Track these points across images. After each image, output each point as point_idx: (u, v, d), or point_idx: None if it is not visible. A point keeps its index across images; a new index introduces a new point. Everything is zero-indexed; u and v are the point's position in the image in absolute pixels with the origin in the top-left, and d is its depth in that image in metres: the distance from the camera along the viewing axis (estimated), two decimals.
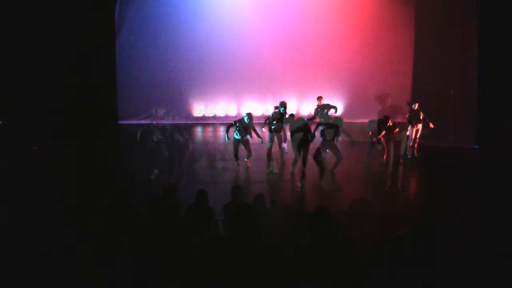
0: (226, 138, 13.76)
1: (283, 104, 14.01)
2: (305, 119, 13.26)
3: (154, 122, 12.99)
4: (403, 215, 10.14)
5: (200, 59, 19.00)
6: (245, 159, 13.72)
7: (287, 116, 13.60)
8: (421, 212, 10.44)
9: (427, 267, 5.57)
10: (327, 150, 13.12)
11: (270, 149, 13.66)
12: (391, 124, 11.84)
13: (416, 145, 15.16)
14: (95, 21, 17.09)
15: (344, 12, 19.73)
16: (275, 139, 14.02)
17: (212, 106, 19.79)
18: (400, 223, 6.84)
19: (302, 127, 12.63)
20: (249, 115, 13.48)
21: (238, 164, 13.55)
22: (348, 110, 19.86)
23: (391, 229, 6.39)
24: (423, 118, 15.09)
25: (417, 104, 15.14)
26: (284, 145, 15.01)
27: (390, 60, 20.01)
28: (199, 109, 19.70)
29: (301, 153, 12.56)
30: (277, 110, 14.13)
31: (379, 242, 5.98)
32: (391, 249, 5.77)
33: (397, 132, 11.83)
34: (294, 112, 15.13)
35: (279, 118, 13.87)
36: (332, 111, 15.41)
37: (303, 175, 12.58)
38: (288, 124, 13.22)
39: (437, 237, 5.91)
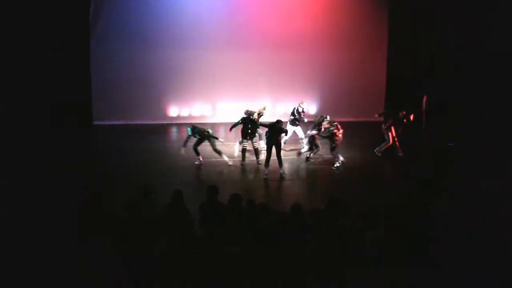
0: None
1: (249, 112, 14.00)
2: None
3: None
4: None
5: (175, 59, 18.92)
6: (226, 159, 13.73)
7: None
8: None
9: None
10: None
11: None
12: None
13: (398, 144, 15.24)
14: (69, 19, 16.87)
15: (318, 12, 19.86)
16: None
17: (187, 107, 19.67)
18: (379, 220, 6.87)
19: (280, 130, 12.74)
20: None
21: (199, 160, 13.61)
22: (322, 108, 20.03)
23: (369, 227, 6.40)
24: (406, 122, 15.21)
25: (404, 112, 15.20)
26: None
27: (364, 59, 20.21)
28: (174, 109, 19.56)
29: (275, 153, 12.64)
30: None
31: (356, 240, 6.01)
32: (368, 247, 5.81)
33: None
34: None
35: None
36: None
37: (281, 176, 12.68)
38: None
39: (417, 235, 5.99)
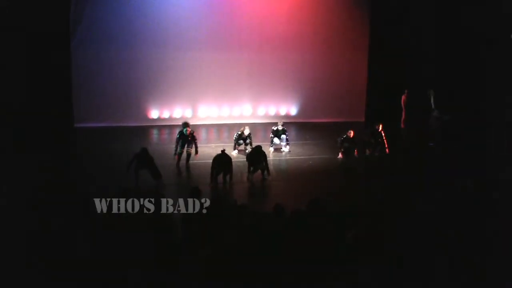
0: None
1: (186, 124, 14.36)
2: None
3: None
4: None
5: (157, 61, 18.86)
6: None
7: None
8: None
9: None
10: None
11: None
12: None
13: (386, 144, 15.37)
14: (50, 20, 16.74)
15: (299, 14, 19.90)
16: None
17: (168, 109, 19.60)
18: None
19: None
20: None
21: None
22: (302, 111, 20.19)
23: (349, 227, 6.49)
24: (384, 139, 15.30)
25: (381, 125, 15.31)
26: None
27: (344, 60, 20.33)
28: (155, 112, 19.47)
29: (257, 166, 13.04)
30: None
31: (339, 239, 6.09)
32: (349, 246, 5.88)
33: None
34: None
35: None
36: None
37: (263, 179, 12.84)
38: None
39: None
